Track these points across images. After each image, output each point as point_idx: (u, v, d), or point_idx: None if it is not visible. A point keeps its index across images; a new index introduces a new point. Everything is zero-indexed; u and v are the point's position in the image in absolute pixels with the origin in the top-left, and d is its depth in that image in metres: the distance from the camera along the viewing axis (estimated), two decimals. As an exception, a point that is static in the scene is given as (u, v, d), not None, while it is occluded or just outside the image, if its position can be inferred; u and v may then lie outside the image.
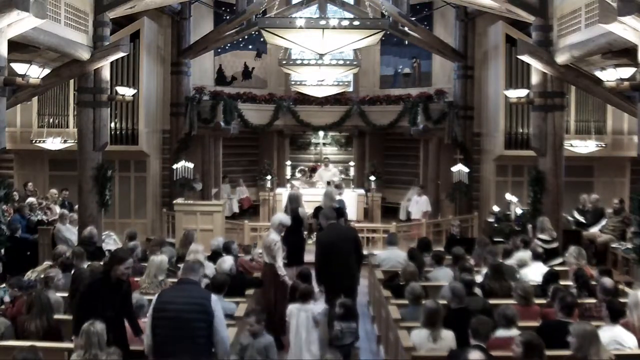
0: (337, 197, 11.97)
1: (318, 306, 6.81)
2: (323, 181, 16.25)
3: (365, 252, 12.31)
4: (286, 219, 8.59)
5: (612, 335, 5.53)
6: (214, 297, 5.17)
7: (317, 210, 10.48)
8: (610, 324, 5.70)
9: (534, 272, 7.94)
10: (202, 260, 7.72)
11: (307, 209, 12.11)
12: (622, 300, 6.60)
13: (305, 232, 10.24)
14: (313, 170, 18.05)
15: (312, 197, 13.75)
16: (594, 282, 7.22)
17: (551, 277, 7.41)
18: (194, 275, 5.26)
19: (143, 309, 5.94)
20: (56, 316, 6.28)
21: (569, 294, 6.15)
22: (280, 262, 8.08)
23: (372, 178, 16.50)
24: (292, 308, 6.71)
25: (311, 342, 6.52)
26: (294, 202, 10.13)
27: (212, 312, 4.96)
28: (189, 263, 5.55)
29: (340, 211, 10.13)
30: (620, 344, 5.51)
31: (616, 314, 5.74)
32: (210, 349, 5.02)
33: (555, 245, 9.54)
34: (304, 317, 6.59)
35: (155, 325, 4.97)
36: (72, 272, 7.41)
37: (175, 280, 7.46)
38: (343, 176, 17.59)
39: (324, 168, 17.11)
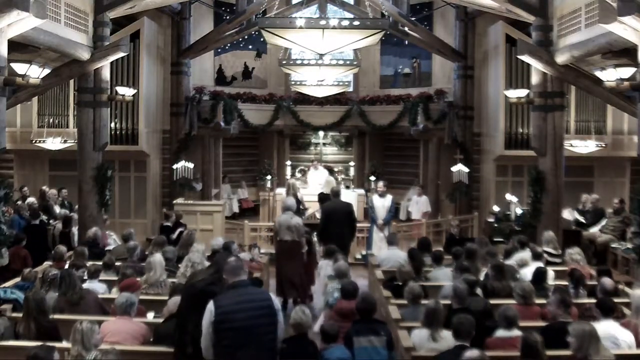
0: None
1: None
2: (316, 183, 15.84)
3: (364, 252, 12.51)
4: (293, 204, 10.20)
5: (607, 330, 5.51)
6: (272, 295, 5.21)
7: (321, 195, 12.30)
8: (603, 319, 5.72)
9: (534, 272, 7.94)
10: (204, 260, 7.75)
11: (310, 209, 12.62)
12: (622, 300, 6.59)
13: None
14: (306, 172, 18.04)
15: (309, 198, 13.80)
16: (593, 282, 7.22)
17: (538, 276, 7.38)
18: (244, 275, 5.03)
19: (133, 307, 5.93)
20: (55, 316, 6.26)
21: (564, 293, 6.15)
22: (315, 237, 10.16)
23: (372, 178, 16.46)
24: (322, 263, 9.09)
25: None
26: (293, 188, 13.09)
27: (277, 311, 4.95)
28: (233, 264, 5.01)
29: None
30: (615, 341, 5.51)
31: (607, 310, 5.79)
32: (277, 344, 5.00)
33: (558, 260, 9.12)
34: (329, 270, 8.35)
35: (222, 337, 4.76)
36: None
37: (174, 280, 7.47)
38: (343, 176, 17.54)
39: (314, 170, 16.65)
